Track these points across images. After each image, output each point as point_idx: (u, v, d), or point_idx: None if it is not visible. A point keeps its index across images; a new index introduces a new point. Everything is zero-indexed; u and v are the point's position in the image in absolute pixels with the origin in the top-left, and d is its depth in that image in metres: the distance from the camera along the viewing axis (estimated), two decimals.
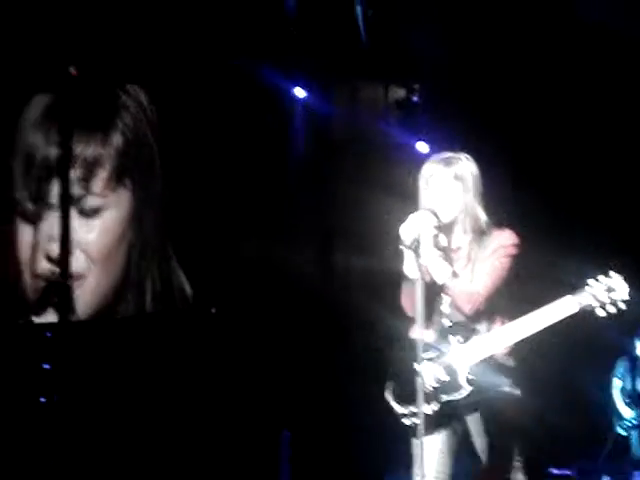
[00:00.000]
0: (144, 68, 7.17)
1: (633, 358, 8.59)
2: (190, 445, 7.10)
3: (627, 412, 8.55)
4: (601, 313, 4.46)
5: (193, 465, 7.00)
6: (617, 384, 8.63)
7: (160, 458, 6.88)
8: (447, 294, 4.62)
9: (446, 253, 4.63)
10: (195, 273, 7.26)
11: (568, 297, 4.46)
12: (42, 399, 5.92)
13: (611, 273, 4.49)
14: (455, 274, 4.59)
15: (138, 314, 7.21)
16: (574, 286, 4.48)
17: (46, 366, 5.98)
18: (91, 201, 6.99)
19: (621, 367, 8.64)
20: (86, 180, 6.89)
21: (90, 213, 7.00)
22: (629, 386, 8.60)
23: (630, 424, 8.52)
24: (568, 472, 7.64)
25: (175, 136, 7.19)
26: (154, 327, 7.27)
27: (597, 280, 4.47)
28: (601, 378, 8.54)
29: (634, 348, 8.58)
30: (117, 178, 7.03)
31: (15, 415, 6.35)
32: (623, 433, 8.50)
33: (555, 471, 7.49)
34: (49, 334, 6.13)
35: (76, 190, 6.85)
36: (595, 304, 4.45)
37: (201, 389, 7.01)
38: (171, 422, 7.07)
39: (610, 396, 8.60)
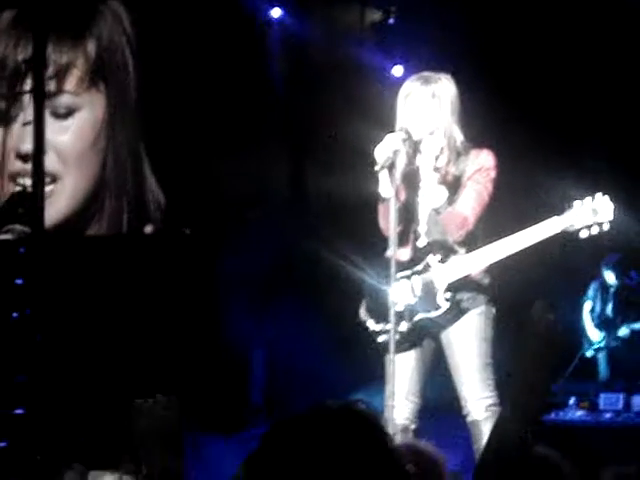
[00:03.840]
0: None
1: (603, 282, 8.69)
2: (159, 362, 7.13)
3: (595, 334, 8.68)
4: (585, 235, 4.48)
5: (163, 380, 7.03)
6: (587, 306, 8.74)
7: (131, 372, 6.90)
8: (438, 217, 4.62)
9: (443, 177, 4.63)
10: (169, 186, 7.26)
11: (554, 218, 4.48)
12: (14, 314, 5.90)
13: (596, 195, 4.50)
14: (451, 200, 4.59)
15: (112, 233, 7.20)
16: (558, 208, 4.50)
17: (19, 281, 5.95)
18: (64, 99, 6.95)
19: (592, 290, 8.75)
20: (58, 78, 6.84)
21: (63, 113, 6.96)
22: (598, 309, 8.72)
23: (597, 346, 8.65)
24: None
25: (152, 50, 7.13)
26: (129, 245, 7.26)
27: (582, 202, 4.48)
28: (573, 300, 8.64)
29: (603, 273, 8.68)
30: (90, 79, 6.99)
31: None
32: (590, 355, 8.64)
33: None
34: (22, 249, 6.08)
35: (49, 87, 6.81)
36: (579, 226, 4.47)
37: (168, 303, 7.03)
38: (141, 341, 7.08)
39: (580, 318, 8.71)
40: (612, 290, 8.68)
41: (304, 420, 1.75)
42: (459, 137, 4.67)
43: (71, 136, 7.03)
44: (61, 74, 6.91)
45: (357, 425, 1.73)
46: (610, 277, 8.63)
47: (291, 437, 1.72)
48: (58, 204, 7.05)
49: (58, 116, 6.91)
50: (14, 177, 7.05)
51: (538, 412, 2.18)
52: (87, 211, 7.18)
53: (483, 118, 5.10)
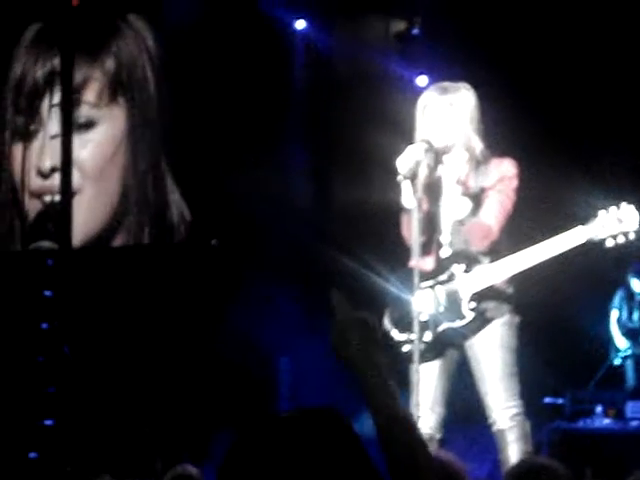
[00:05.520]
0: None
1: (629, 290, 8.66)
2: (188, 372, 7.17)
3: (622, 343, 8.64)
4: (611, 244, 4.47)
5: (189, 392, 7.07)
6: (614, 315, 8.70)
7: (158, 383, 6.94)
8: (462, 228, 4.63)
9: (466, 188, 4.64)
10: (193, 199, 7.29)
11: (579, 228, 4.47)
12: (44, 325, 5.96)
13: (622, 204, 4.48)
14: (474, 210, 4.59)
15: (138, 243, 7.25)
16: (583, 218, 4.48)
17: (47, 293, 6.01)
18: (84, 111, 7.00)
19: (618, 298, 8.71)
20: (77, 91, 6.89)
21: (83, 126, 7.01)
22: (625, 317, 8.68)
23: (625, 354, 8.61)
24: (561, 401, 7.72)
25: (176, 65, 7.18)
26: (154, 257, 7.30)
27: (607, 211, 4.47)
28: (600, 309, 8.60)
29: (630, 281, 8.64)
30: (109, 94, 7.05)
31: (16, 342, 6.40)
32: (618, 363, 8.60)
33: (548, 400, 7.58)
34: (50, 262, 6.15)
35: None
36: (604, 235, 4.45)
37: (194, 315, 7.06)
38: (168, 352, 7.12)
39: (608, 327, 8.68)
40: (638, 298, 8.63)
41: (276, 423, 1.75)
42: (478, 146, 4.67)
43: (91, 150, 7.09)
44: (80, 87, 6.96)
45: (328, 428, 1.73)
46: (637, 285, 8.59)
47: (260, 440, 1.72)
48: (77, 218, 7.10)
49: (78, 130, 6.96)
50: (36, 194, 7.11)
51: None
52: (108, 225, 7.23)
53: (507, 129, 5.10)
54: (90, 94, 7.09)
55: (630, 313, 8.68)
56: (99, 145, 7.13)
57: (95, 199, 7.16)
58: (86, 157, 7.08)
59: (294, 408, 1.75)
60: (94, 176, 7.13)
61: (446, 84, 4.75)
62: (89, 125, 7.09)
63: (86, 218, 7.09)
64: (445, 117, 4.64)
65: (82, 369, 6.59)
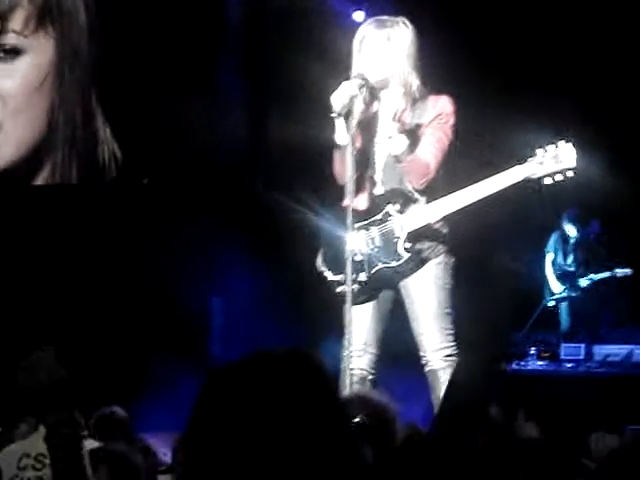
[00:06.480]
0: None
1: (564, 234, 8.69)
2: (118, 315, 7.06)
3: (556, 286, 8.67)
4: (548, 182, 4.42)
5: (120, 331, 6.97)
6: (549, 258, 8.73)
7: (88, 323, 6.83)
8: (400, 165, 4.53)
9: (403, 125, 4.53)
10: (124, 136, 7.11)
11: (516, 167, 4.41)
12: None
13: (560, 142, 4.42)
14: (411, 147, 4.49)
15: (65, 183, 7.09)
16: (521, 156, 4.42)
17: None
18: (9, 39, 6.79)
19: (552, 241, 8.74)
20: (3, 17, 6.67)
21: (8, 54, 6.79)
22: (560, 260, 8.72)
23: (559, 297, 8.65)
24: None
25: None
26: (82, 196, 7.15)
27: (545, 149, 4.41)
28: (534, 251, 8.62)
29: (564, 227, 8.67)
30: (37, 22, 6.82)
31: None
32: (552, 306, 8.65)
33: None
34: None
35: None
36: (542, 173, 4.40)
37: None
38: (98, 292, 7.00)
39: (543, 269, 8.71)
40: (572, 242, 8.67)
41: (245, 366, 1.69)
42: (415, 82, 4.57)
43: (16, 81, 6.86)
44: (6, 14, 6.75)
45: (301, 369, 1.69)
46: (570, 230, 8.62)
47: (232, 383, 1.67)
48: (1, 152, 6.89)
49: (4, 59, 6.75)
50: None
51: (497, 357, 2.14)
52: (33, 161, 7.02)
53: (444, 65, 4.99)
54: (16, 22, 6.87)
55: (565, 256, 8.72)
56: (24, 75, 6.91)
57: (19, 132, 6.94)
58: (10, 86, 6.86)
59: (261, 350, 1.68)
60: (18, 108, 6.91)
61: (384, 18, 4.63)
62: (15, 53, 6.86)
63: (11, 151, 6.89)
64: (382, 52, 4.54)
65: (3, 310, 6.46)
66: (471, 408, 2.53)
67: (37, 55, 6.92)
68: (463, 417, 2.51)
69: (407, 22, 4.61)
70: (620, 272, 8.30)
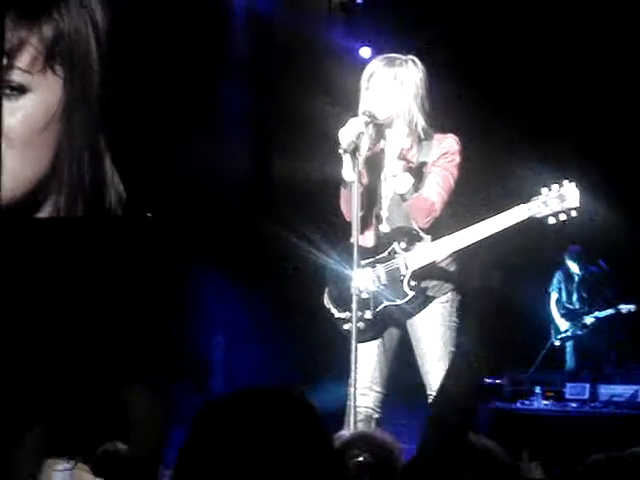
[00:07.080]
0: None
1: (568, 272, 8.67)
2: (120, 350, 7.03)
3: (562, 324, 8.64)
4: (552, 222, 4.41)
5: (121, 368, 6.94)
6: (554, 296, 8.71)
7: (90, 357, 6.81)
8: (405, 204, 4.52)
9: (408, 163, 4.53)
10: (129, 176, 7.11)
11: (521, 206, 4.40)
12: None
13: (564, 181, 4.42)
14: (416, 186, 4.49)
15: (72, 216, 7.08)
16: (525, 195, 4.41)
17: None
18: (15, 76, 6.79)
19: (556, 280, 8.72)
20: (10, 54, 6.68)
21: (14, 91, 6.79)
22: (564, 298, 8.69)
23: (564, 335, 8.62)
24: (499, 381, 7.71)
25: (121, 45, 6.99)
26: (88, 229, 7.15)
27: (549, 188, 4.41)
28: (541, 290, 8.60)
29: (567, 264, 8.65)
30: (44, 61, 6.83)
31: None
32: (558, 345, 8.62)
33: (487, 380, 7.55)
34: None
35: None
36: (546, 212, 4.39)
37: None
38: (101, 325, 6.98)
39: (548, 307, 8.68)
40: (577, 279, 8.64)
41: (232, 401, 1.73)
42: (420, 122, 4.56)
43: (20, 119, 6.86)
44: (13, 51, 6.76)
45: (288, 405, 1.72)
46: (574, 267, 8.60)
47: (221, 419, 1.70)
48: (4, 188, 6.87)
49: (8, 96, 6.74)
50: None
51: (474, 379, 2.17)
52: (35, 200, 7.00)
53: (451, 105, 5.00)
54: (24, 59, 6.88)
55: (569, 295, 8.69)
56: (30, 114, 6.90)
57: (18, 169, 6.92)
58: (14, 124, 6.85)
59: (253, 388, 1.69)
60: (21, 144, 6.90)
61: (394, 56, 4.63)
62: (21, 91, 6.86)
63: (9, 187, 6.87)
64: (389, 90, 4.53)
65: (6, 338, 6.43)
66: (453, 436, 2.52)
67: (44, 94, 6.92)
68: (445, 444, 2.49)
69: (417, 61, 4.62)
70: (624, 308, 8.27)
